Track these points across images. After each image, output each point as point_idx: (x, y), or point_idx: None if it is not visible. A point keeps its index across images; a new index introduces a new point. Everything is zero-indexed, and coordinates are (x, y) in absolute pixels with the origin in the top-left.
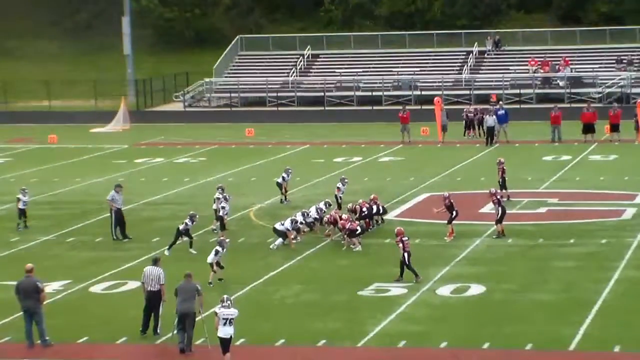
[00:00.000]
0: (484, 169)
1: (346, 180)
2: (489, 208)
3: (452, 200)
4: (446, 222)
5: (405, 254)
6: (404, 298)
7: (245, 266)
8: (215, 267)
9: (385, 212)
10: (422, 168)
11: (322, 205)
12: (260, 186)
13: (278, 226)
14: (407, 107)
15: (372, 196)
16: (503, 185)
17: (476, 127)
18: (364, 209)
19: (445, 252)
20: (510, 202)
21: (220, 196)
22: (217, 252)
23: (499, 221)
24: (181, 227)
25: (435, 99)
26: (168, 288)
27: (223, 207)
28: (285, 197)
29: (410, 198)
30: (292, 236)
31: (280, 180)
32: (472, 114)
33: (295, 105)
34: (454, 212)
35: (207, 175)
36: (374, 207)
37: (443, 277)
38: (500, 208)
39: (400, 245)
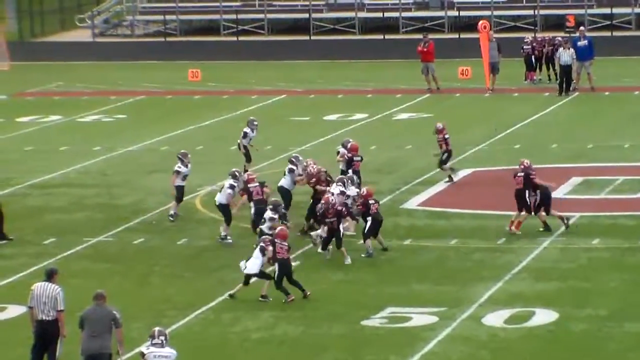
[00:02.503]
0: (556, 131)
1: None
2: (563, 191)
3: (532, 173)
4: (522, 211)
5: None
6: (432, 330)
7: (190, 282)
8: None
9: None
10: (461, 130)
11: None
12: (210, 159)
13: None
14: (431, 37)
15: (363, 191)
16: (445, 162)
17: (544, 67)
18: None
19: (497, 260)
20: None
21: (182, 168)
22: (263, 251)
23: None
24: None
25: (481, 23)
26: (71, 315)
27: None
28: (245, 167)
29: (443, 176)
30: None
31: (243, 139)
32: (538, 47)
33: (264, 33)
34: (531, 195)
35: (129, 142)
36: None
37: (493, 299)
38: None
39: (270, 247)
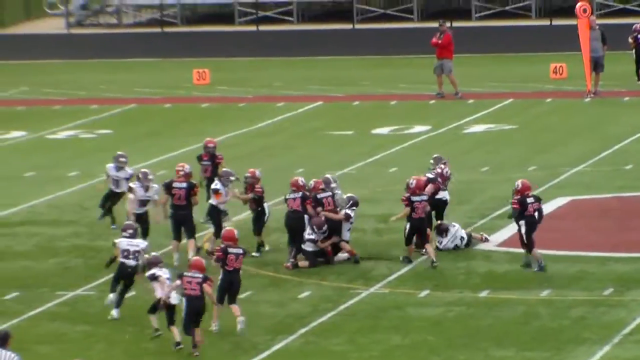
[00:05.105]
0: None
1: (443, 167)
2: None
3: None
4: None
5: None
6: None
7: (204, 348)
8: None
9: None
10: (553, 146)
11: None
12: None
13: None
14: (514, 24)
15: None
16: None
17: None
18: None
19: (603, 317)
20: None
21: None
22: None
23: None
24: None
25: (579, 6)
26: None
27: None
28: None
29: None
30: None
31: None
32: None
33: (293, 21)
34: None
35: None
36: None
37: None
38: None
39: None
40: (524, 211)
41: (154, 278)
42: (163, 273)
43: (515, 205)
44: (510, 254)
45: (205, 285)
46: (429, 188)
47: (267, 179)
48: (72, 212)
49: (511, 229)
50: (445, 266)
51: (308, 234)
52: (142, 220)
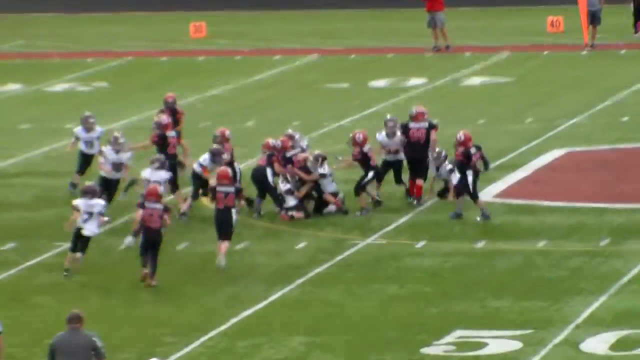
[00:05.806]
0: None
1: (391, 123)
2: None
3: None
4: None
5: None
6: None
7: (193, 299)
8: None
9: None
10: (549, 98)
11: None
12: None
13: None
14: None
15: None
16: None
17: None
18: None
19: (600, 267)
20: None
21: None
22: None
23: None
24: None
25: None
26: (38, 344)
27: None
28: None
29: (528, 159)
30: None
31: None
32: None
33: None
34: None
35: (111, 117)
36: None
37: (595, 318)
38: None
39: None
40: (469, 162)
41: (76, 208)
42: (90, 207)
43: (460, 158)
44: (506, 205)
45: (165, 217)
46: (433, 135)
47: (263, 132)
48: (69, 164)
49: (507, 181)
50: (442, 217)
51: (283, 185)
52: (112, 186)
